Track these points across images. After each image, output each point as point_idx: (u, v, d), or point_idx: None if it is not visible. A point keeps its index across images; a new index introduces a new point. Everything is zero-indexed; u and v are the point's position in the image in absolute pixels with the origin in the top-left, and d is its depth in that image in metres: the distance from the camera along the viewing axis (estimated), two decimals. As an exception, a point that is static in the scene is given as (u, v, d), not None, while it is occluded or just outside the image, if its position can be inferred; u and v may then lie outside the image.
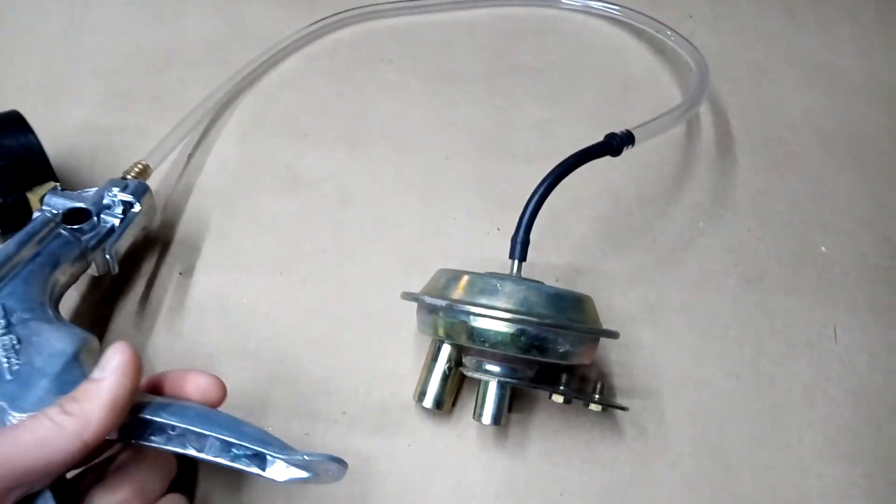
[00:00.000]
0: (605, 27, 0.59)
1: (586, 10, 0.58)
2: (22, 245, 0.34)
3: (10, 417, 0.27)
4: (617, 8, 0.57)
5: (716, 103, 0.55)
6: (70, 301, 0.41)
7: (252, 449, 0.28)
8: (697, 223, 0.49)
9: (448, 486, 0.38)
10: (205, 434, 0.29)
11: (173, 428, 0.29)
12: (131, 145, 0.47)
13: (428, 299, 0.35)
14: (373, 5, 0.57)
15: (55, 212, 0.37)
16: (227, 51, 0.54)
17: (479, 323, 0.34)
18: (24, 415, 0.27)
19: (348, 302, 0.43)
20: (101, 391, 0.27)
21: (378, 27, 0.57)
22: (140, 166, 0.42)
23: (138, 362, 0.29)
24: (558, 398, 0.37)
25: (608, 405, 0.38)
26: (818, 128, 0.54)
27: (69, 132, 0.48)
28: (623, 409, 0.39)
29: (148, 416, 0.29)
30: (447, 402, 0.38)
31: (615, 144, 0.42)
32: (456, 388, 0.39)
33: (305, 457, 0.28)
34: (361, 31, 0.57)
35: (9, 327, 0.31)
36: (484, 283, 0.35)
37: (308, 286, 0.43)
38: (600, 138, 0.43)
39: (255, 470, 0.29)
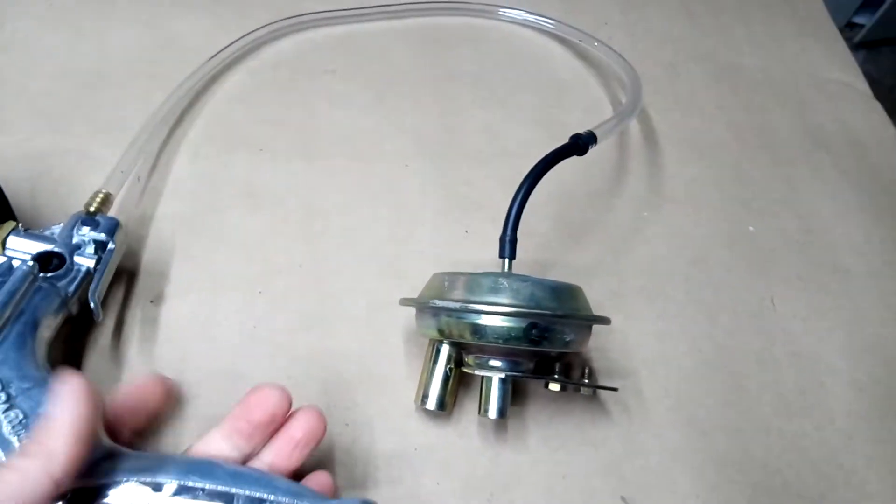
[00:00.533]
0: (534, 36, 0.62)
1: (523, 23, 0.61)
2: (4, 307, 0.31)
3: None
4: (552, 22, 0.60)
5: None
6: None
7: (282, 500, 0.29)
8: (642, 213, 0.52)
9: (458, 484, 0.39)
10: (234, 493, 0.29)
11: (203, 489, 0.29)
12: (74, 170, 0.44)
13: (439, 302, 0.35)
14: (305, 14, 0.56)
15: (30, 263, 0.34)
16: (158, 66, 0.51)
17: (489, 321, 0.35)
18: None
19: (332, 313, 0.43)
20: (59, 424, 0.27)
21: (315, 37, 0.57)
22: (101, 195, 0.40)
23: (87, 386, 0.28)
24: (555, 386, 0.39)
25: (600, 387, 0.40)
26: (730, 121, 0.59)
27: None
28: (614, 389, 0.41)
29: (176, 480, 0.29)
30: (449, 402, 0.39)
31: (581, 144, 0.45)
32: (456, 388, 0.40)
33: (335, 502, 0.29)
34: (300, 41, 0.56)
35: (10, 401, 0.29)
36: (489, 281, 0.36)
37: (289, 301, 0.43)
38: (543, 139, 0.45)
39: None
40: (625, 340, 0.46)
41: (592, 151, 0.53)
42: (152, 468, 0.29)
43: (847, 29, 2.15)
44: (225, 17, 0.55)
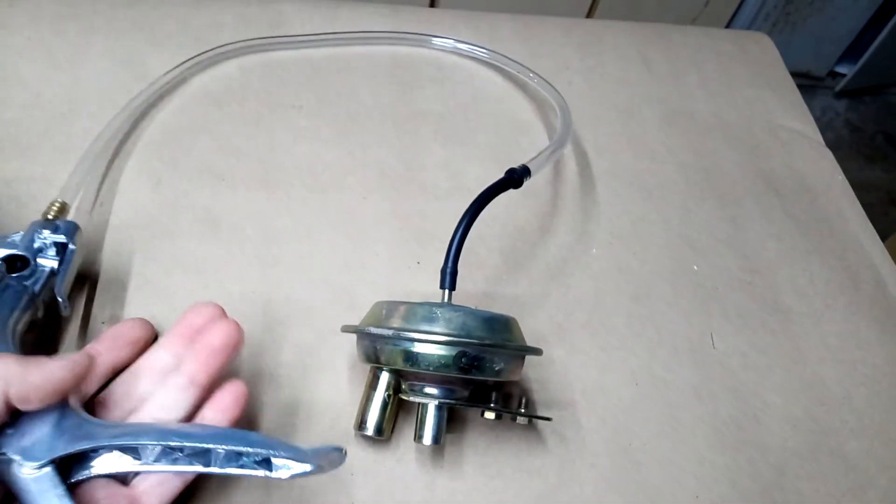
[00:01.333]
0: (493, 75, 0.64)
1: (454, 52, 0.64)
2: None
3: (23, 468, 0.29)
4: (484, 51, 0.63)
5: (594, 143, 0.62)
6: None
7: (261, 454, 0.31)
8: (591, 250, 0.54)
9: (394, 508, 0.40)
10: (212, 449, 0.32)
11: (182, 450, 0.31)
12: (39, 195, 0.46)
13: (374, 330, 0.37)
14: (263, 38, 0.60)
15: (13, 255, 0.37)
16: (130, 96, 0.54)
17: (421, 348, 0.37)
18: (36, 463, 0.29)
19: (280, 339, 0.44)
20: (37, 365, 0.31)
21: (278, 70, 0.59)
22: (58, 204, 0.42)
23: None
24: (490, 414, 0.40)
25: (534, 417, 0.42)
26: (680, 162, 0.62)
27: (-33, 183, 0.46)
28: (547, 419, 0.43)
29: (157, 443, 0.31)
30: (387, 428, 0.41)
31: (516, 177, 0.47)
32: (395, 414, 0.42)
33: (309, 451, 0.32)
34: (264, 72, 0.59)
35: None
36: (424, 311, 0.38)
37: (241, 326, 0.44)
38: (499, 174, 0.47)
39: (262, 473, 0.32)
40: (565, 372, 0.47)
41: (548, 191, 0.56)
42: (132, 434, 0.32)
43: (829, 78, 2.21)
44: (194, 50, 0.58)
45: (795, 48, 2.00)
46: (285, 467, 0.32)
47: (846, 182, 0.65)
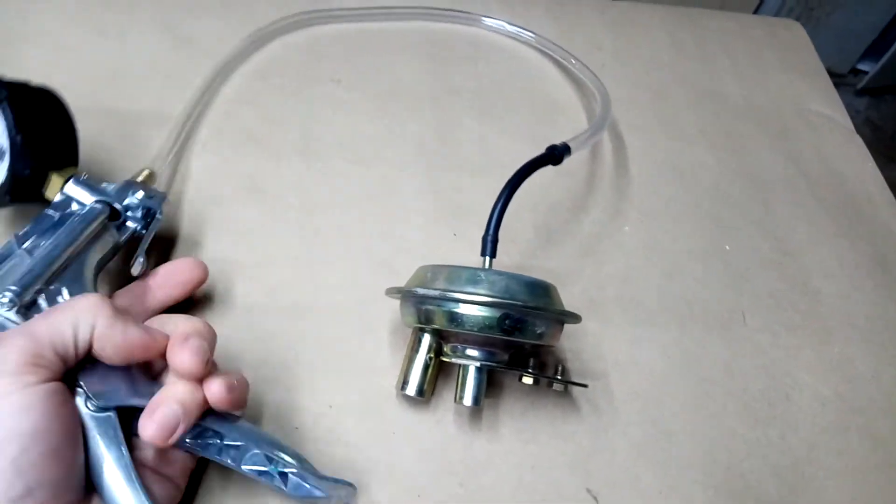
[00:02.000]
0: (531, 54, 0.65)
1: (503, 32, 0.65)
2: (78, 235, 0.37)
3: (89, 404, 0.32)
4: (532, 35, 0.64)
5: (627, 124, 0.62)
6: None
7: (288, 464, 0.33)
8: (623, 227, 0.55)
9: (433, 468, 0.41)
10: (246, 447, 0.33)
11: (222, 438, 0.33)
12: (89, 159, 0.47)
13: (420, 290, 0.38)
14: (308, 13, 0.61)
15: (102, 205, 0.39)
16: (173, 66, 0.55)
17: (466, 309, 0.37)
18: (102, 404, 0.32)
19: (323, 303, 0.45)
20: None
21: (320, 41, 0.60)
22: (147, 171, 0.44)
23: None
24: (528, 379, 0.41)
25: (570, 383, 0.43)
26: (712, 143, 0.62)
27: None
28: (584, 385, 0.43)
29: (208, 426, 0.33)
30: (428, 390, 0.42)
31: (556, 154, 0.48)
32: (435, 376, 0.43)
33: (324, 479, 0.33)
34: (308, 47, 0.60)
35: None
36: (469, 274, 0.38)
37: (283, 291, 0.45)
38: (533, 152, 0.48)
39: (278, 484, 0.32)
40: (598, 344, 0.48)
41: (583, 169, 0.57)
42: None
43: (851, 75, 2.20)
44: (235, 20, 0.59)
45: (817, 44, 1.97)
46: (300, 485, 0.32)
47: (876, 168, 0.65)
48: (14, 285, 0.32)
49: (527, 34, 0.64)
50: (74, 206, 0.39)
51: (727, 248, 0.56)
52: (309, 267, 0.47)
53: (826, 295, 0.55)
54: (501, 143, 0.58)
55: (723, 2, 1.75)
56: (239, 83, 0.56)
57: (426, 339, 0.41)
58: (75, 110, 0.42)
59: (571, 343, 0.48)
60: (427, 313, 0.39)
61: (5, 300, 0.31)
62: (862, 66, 2.17)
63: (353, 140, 0.55)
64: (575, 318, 0.41)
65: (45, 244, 0.35)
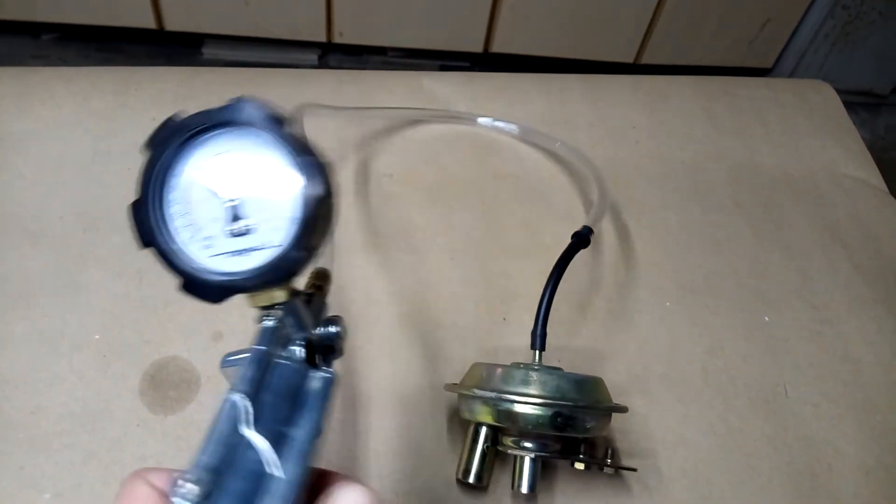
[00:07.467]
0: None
1: (492, 129, 0.68)
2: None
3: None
4: (517, 128, 0.67)
5: (663, 199, 0.65)
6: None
7: None
8: (665, 303, 0.58)
9: (494, 551, 0.44)
10: None
11: None
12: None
13: (478, 392, 0.42)
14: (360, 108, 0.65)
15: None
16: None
17: (521, 409, 0.41)
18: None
19: (385, 393, 0.49)
20: None
21: (369, 135, 0.65)
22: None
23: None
24: (580, 465, 0.44)
25: (621, 468, 0.45)
26: (748, 215, 0.65)
27: (110, 254, 0.53)
28: (633, 469, 0.46)
29: None
30: (486, 477, 0.45)
31: (583, 237, 0.51)
32: (492, 464, 0.46)
33: None
34: (360, 143, 0.64)
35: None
36: (521, 374, 0.42)
37: (346, 381, 0.49)
38: (573, 228, 0.52)
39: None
40: (645, 423, 0.51)
41: (619, 246, 0.60)
42: None
43: (893, 95, 2.18)
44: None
45: (856, 66, 1.98)
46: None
47: (911, 229, 0.67)
48: None
49: (513, 128, 0.67)
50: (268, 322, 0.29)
51: (766, 318, 0.58)
52: (370, 358, 0.51)
53: (866, 363, 0.57)
54: (545, 225, 0.61)
55: (755, 34, 1.77)
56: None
57: (483, 430, 0.45)
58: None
59: (620, 423, 0.50)
60: (484, 412, 0.42)
61: None
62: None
63: (407, 231, 0.59)
64: (622, 409, 0.44)
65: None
